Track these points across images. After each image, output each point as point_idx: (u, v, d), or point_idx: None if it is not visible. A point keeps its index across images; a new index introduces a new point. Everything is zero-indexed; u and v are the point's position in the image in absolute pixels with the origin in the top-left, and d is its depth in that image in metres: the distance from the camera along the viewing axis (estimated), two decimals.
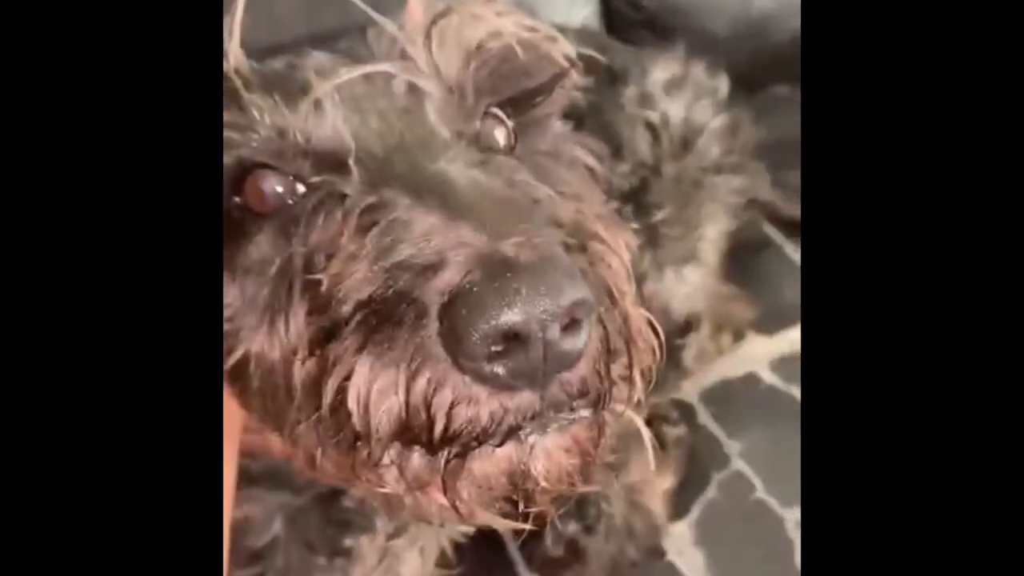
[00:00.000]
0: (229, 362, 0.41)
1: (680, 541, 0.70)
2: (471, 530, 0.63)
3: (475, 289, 0.32)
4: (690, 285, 0.80)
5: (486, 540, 0.68)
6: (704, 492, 0.73)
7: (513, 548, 0.70)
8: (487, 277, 0.32)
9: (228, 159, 0.41)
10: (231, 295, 0.41)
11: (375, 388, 0.33)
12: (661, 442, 0.74)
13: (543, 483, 0.36)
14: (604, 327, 0.36)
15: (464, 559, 0.65)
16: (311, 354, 0.36)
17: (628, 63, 0.79)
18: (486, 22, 0.43)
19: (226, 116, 0.41)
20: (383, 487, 0.37)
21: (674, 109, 0.78)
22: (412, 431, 0.34)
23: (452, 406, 0.33)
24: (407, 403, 0.33)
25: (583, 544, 0.68)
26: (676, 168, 0.76)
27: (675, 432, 0.76)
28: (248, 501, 0.55)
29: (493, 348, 0.32)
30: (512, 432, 0.34)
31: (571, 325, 0.33)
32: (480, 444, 0.34)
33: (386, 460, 0.36)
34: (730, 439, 0.76)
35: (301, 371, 0.37)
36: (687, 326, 0.81)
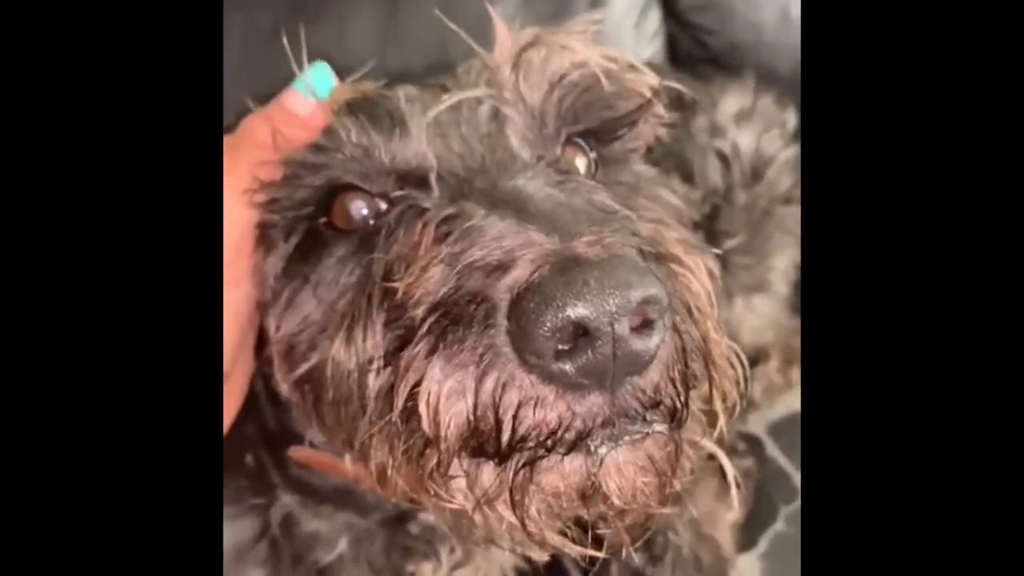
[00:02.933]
0: (302, 369, 0.41)
1: (748, 573, 0.68)
2: (543, 557, 0.62)
3: (543, 283, 0.31)
4: (760, 316, 0.79)
5: (550, 570, 0.67)
6: (772, 525, 0.71)
7: None
8: (555, 272, 0.31)
9: (318, 180, 0.42)
10: (308, 306, 0.42)
11: (444, 390, 0.33)
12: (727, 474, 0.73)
13: (615, 501, 0.35)
14: (680, 337, 0.34)
15: None
16: (387, 364, 0.36)
17: (697, 94, 0.80)
18: (571, 53, 0.43)
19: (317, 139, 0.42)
20: (451, 502, 0.36)
21: (744, 139, 0.78)
22: (480, 435, 0.33)
23: (519, 408, 0.32)
24: (475, 405, 0.32)
25: (650, 575, 0.67)
26: (747, 197, 0.77)
27: (742, 464, 0.75)
28: (317, 517, 0.56)
29: (560, 345, 0.31)
30: (581, 439, 0.33)
31: (643, 325, 0.31)
32: (548, 451, 0.33)
33: (458, 472, 0.35)
34: (798, 472, 0.74)
35: (376, 381, 0.36)
36: (756, 358, 0.81)
